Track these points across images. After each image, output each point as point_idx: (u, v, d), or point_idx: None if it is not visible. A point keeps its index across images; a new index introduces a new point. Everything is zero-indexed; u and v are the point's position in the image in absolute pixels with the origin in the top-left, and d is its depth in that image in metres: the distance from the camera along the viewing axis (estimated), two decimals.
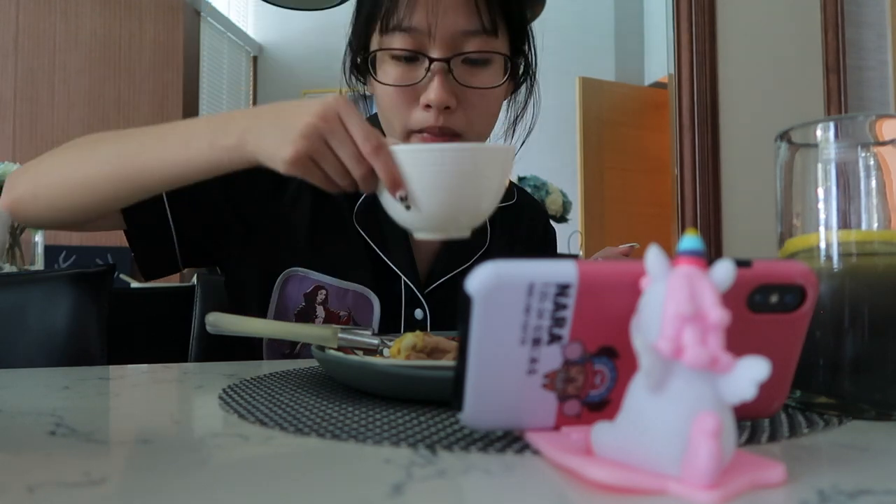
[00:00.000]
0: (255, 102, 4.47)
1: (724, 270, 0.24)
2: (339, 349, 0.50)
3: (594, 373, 0.29)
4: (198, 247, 0.74)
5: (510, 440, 0.30)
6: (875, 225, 0.38)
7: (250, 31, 4.53)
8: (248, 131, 0.54)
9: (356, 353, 0.50)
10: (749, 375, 0.23)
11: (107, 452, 0.30)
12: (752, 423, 0.34)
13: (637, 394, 0.24)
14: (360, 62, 0.73)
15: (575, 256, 2.47)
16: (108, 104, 3.51)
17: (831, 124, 0.39)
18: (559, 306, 0.27)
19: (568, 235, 2.95)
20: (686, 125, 2.01)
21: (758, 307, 0.29)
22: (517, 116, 0.78)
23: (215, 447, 0.31)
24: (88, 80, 3.49)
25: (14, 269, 1.53)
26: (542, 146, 4.23)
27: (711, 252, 1.97)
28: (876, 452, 0.29)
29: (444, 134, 0.66)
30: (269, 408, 0.38)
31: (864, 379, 0.37)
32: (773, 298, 0.29)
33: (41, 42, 3.46)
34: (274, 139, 0.52)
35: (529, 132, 0.79)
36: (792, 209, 0.41)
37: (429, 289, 0.75)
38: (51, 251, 2.12)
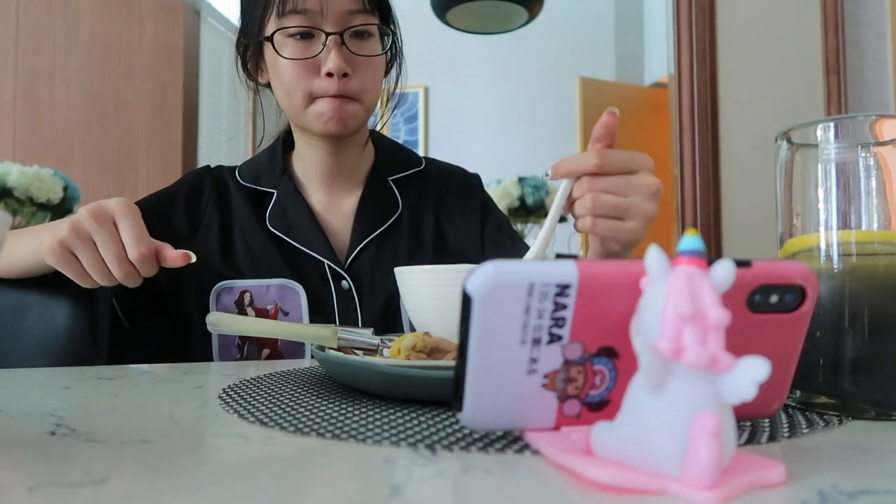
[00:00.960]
0: (254, 102, 4.46)
1: (724, 270, 0.24)
2: (339, 349, 0.50)
3: (594, 373, 0.29)
4: (141, 306, 0.83)
5: (510, 440, 0.30)
6: (875, 225, 0.38)
7: None
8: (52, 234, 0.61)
9: (356, 353, 0.50)
10: (749, 375, 0.23)
11: (107, 452, 0.30)
12: (752, 423, 0.34)
13: (637, 394, 0.24)
14: (253, 52, 0.83)
15: (575, 256, 2.47)
16: (108, 104, 3.50)
17: (831, 124, 0.39)
18: (559, 306, 0.27)
19: (568, 236, 2.95)
20: (686, 125, 2.01)
21: (758, 307, 0.29)
22: (393, 89, 0.90)
23: (215, 447, 0.31)
24: (88, 80, 3.49)
25: None
26: (542, 146, 4.24)
27: (711, 252, 1.97)
28: (876, 452, 0.29)
29: (345, 97, 0.78)
30: (269, 408, 0.38)
31: (864, 379, 0.37)
32: (773, 298, 0.29)
33: (41, 42, 3.46)
34: (50, 234, 0.60)
35: (396, 105, 0.92)
36: (792, 209, 0.41)
37: (349, 260, 0.83)
38: None
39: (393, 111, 0.92)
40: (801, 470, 0.26)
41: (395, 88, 0.90)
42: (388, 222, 0.86)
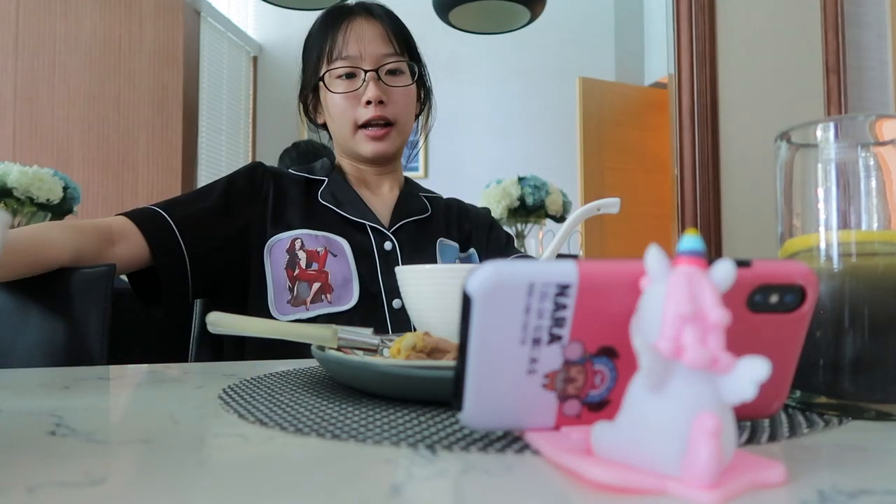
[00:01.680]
0: (255, 102, 4.47)
1: (724, 270, 0.24)
2: (339, 349, 0.50)
3: (594, 373, 0.29)
4: (208, 277, 0.90)
5: (510, 440, 0.30)
6: (875, 225, 0.37)
7: (250, 31, 4.53)
8: None
9: (356, 353, 0.50)
10: (749, 375, 0.23)
11: (107, 452, 0.30)
12: (752, 423, 0.34)
13: (637, 394, 0.24)
14: (312, 97, 1.02)
15: (575, 257, 2.47)
16: (108, 104, 3.50)
17: (831, 124, 0.39)
18: (559, 306, 0.27)
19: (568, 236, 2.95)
20: (686, 125, 2.01)
21: (758, 307, 0.29)
22: (425, 121, 1.10)
23: (215, 447, 0.31)
24: (88, 80, 3.49)
25: None
26: (543, 146, 4.24)
27: (711, 252, 1.97)
28: (876, 452, 0.29)
29: (383, 125, 0.96)
30: (269, 408, 0.38)
31: (864, 379, 0.37)
32: (773, 298, 0.29)
33: (41, 42, 3.46)
34: None
35: (430, 129, 1.12)
36: (792, 209, 0.41)
37: (392, 229, 0.97)
38: None
39: (426, 136, 1.13)
40: (801, 470, 0.26)
41: (426, 120, 1.09)
42: (424, 215, 1.02)
